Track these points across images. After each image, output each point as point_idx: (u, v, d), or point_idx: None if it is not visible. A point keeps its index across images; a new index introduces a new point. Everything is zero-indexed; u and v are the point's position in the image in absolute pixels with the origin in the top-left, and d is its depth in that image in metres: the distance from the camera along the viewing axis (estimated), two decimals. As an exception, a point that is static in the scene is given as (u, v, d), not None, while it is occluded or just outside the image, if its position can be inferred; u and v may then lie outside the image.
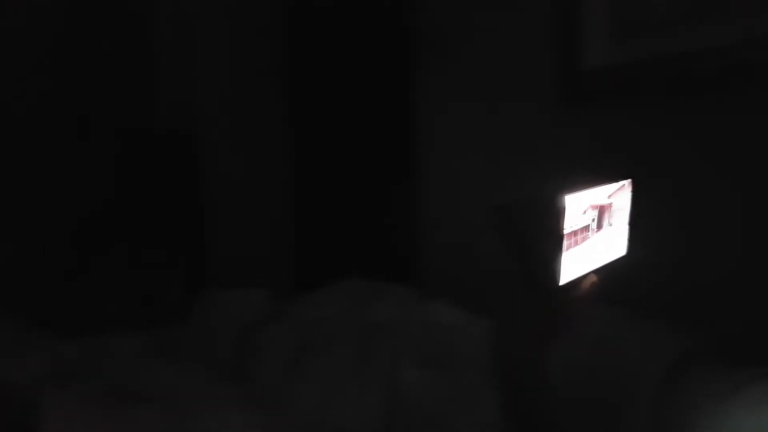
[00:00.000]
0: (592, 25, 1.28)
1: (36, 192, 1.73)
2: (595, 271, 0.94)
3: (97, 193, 1.80)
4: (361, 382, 1.15)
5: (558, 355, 0.97)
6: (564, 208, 0.74)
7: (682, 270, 1.17)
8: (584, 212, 0.80)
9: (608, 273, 0.98)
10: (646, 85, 1.23)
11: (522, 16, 1.45)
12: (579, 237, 0.80)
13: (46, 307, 1.56)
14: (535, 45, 1.43)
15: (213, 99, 1.95)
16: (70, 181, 1.77)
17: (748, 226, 1.11)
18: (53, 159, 1.77)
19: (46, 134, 1.76)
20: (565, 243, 0.78)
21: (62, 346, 1.30)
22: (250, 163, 2.00)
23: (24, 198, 1.71)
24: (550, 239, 0.75)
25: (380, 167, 1.80)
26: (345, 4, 1.86)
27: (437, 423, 1.08)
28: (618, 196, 0.89)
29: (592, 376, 1.00)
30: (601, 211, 0.84)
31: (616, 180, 0.89)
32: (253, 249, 1.94)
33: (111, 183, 1.82)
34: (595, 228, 0.83)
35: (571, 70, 1.34)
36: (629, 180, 0.91)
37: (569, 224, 0.76)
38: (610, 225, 0.87)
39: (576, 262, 0.79)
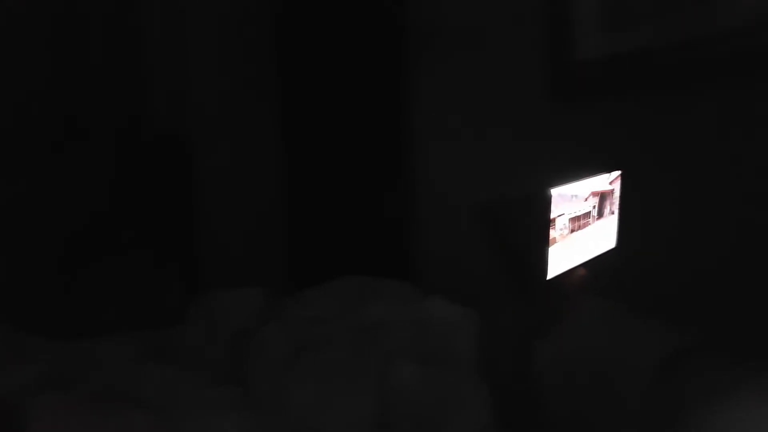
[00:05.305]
0: (584, 17, 1.28)
1: (26, 196, 1.70)
2: (584, 264, 0.93)
3: (89, 197, 1.78)
4: (356, 381, 1.14)
5: (549, 350, 0.96)
6: (549, 204, 0.73)
7: (676, 263, 1.17)
8: (586, 199, 0.80)
9: (598, 266, 0.98)
10: (639, 77, 1.23)
11: (513, 11, 1.45)
12: (581, 223, 0.79)
13: (37, 311, 1.53)
14: (527, 39, 1.43)
15: (204, 101, 1.94)
16: (61, 184, 1.75)
17: (742, 218, 1.10)
18: (43, 163, 1.74)
19: (36, 139, 1.74)
20: (567, 229, 0.77)
21: (54, 351, 1.27)
22: (244, 164, 1.98)
23: (13, 202, 1.68)
24: (535, 235, 0.75)
25: (373, 164, 1.80)
26: (337, 3, 1.85)
27: (432, 421, 1.07)
28: (618, 183, 0.89)
29: (584, 370, 1.00)
30: (602, 198, 0.83)
31: (607, 171, 0.89)
32: (247, 249, 1.93)
33: (104, 186, 1.80)
34: (596, 215, 0.82)
35: (564, 64, 1.34)
36: (619, 171, 0.91)
37: (571, 210, 0.75)
38: (612, 213, 0.87)
39: (572, 250, 0.79)
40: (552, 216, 0.77)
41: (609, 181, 0.86)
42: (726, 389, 0.78)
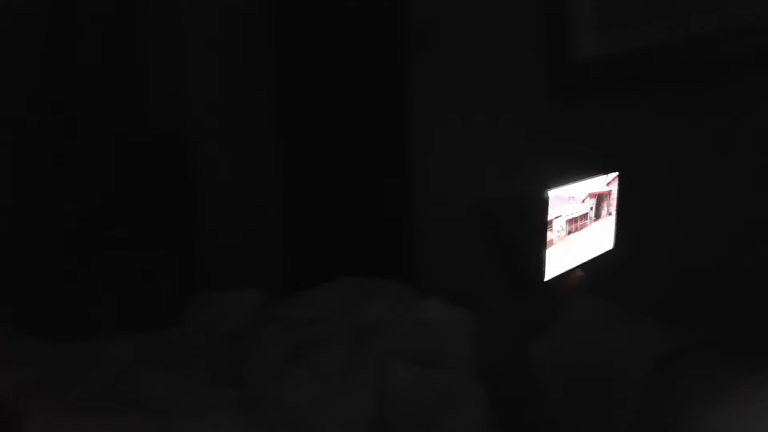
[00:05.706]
0: (583, 16, 1.28)
1: (25, 196, 1.70)
2: (582, 266, 0.93)
3: (88, 197, 1.78)
4: (354, 382, 1.13)
5: (548, 350, 0.96)
6: (547, 204, 0.72)
7: (675, 264, 1.17)
8: (583, 201, 0.79)
9: (596, 267, 0.98)
10: (639, 77, 1.23)
11: (513, 10, 1.44)
12: (578, 224, 0.79)
13: (37, 311, 1.53)
14: (526, 39, 1.42)
15: (202, 101, 1.94)
16: (60, 184, 1.75)
17: (742, 218, 1.10)
18: (39, 163, 1.74)
19: (33, 138, 1.73)
20: (564, 230, 0.77)
21: (53, 352, 1.27)
22: (243, 164, 1.98)
23: (12, 202, 1.68)
24: (533, 235, 0.74)
25: (373, 164, 1.79)
26: (336, 3, 1.84)
27: (431, 421, 1.07)
28: (616, 184, 0.89)
29: (579, 371, 0.99)
30: (600, 199, 0.83)
31: (604, 173, 0.89)
32: (245, 250, 1.92)
33: (103, 187, 1.80)
34: (593, 217, 0.82)
35: (563, 63, 1.33)
36: (616, 173, 0.90)
37: (568, 212, 0.75)
38: (610, 214, 0.87)
39: (569, 252, 0.78)
40: (549, 218, 0.76)
41: (606, 183, 0.85)
42: (725, 388, 0.77)
